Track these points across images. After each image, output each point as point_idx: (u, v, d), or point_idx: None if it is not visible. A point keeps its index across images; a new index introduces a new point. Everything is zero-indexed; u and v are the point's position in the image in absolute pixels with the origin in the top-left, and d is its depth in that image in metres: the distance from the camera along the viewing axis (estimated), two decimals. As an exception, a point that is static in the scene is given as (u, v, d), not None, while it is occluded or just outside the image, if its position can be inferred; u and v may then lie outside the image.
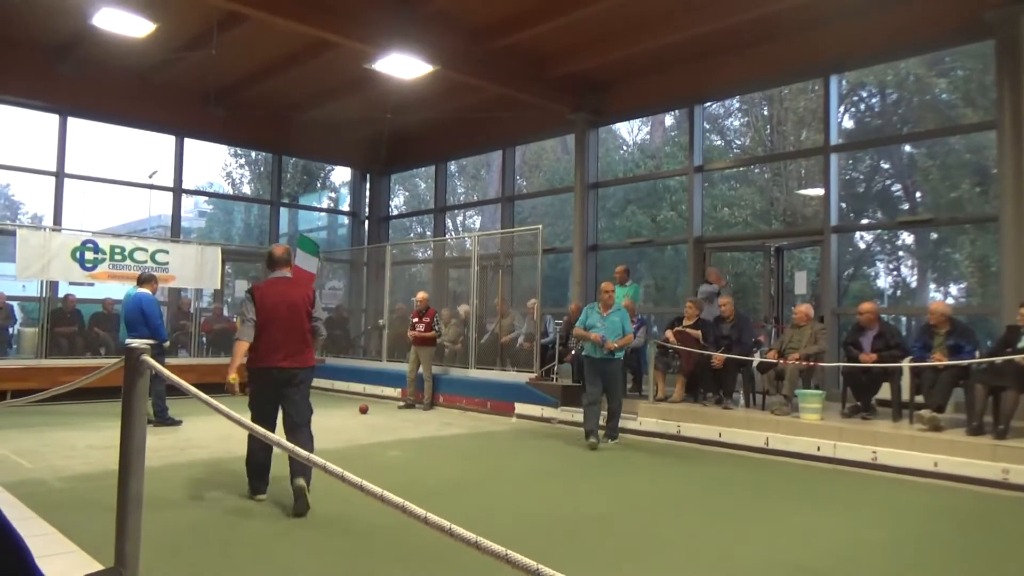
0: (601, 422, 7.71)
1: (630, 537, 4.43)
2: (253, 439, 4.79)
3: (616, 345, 7.48)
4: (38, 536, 3.71)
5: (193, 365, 11.38)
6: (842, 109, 15.07)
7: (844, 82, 13.76)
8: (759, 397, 8.33)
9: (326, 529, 4.44)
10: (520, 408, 9.75)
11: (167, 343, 8.51)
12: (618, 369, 7.80)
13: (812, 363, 7.60)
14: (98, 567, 2.79)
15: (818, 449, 6.87)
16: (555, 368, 9.76)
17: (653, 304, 16.49)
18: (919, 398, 7.01)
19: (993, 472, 5.85)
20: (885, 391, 7.39)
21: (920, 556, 4.21)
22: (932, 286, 15.70)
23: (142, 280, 8.48)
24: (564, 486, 5.94)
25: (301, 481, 4.58)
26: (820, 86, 10.26)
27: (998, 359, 6.39)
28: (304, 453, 2.02)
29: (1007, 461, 5.83)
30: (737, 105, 17.71)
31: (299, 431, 4.89)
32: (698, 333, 8.49)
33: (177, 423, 8.23)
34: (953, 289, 15.65)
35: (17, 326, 11.81)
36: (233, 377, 4.90)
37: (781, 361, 7.78)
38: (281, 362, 4.86)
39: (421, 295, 11.01)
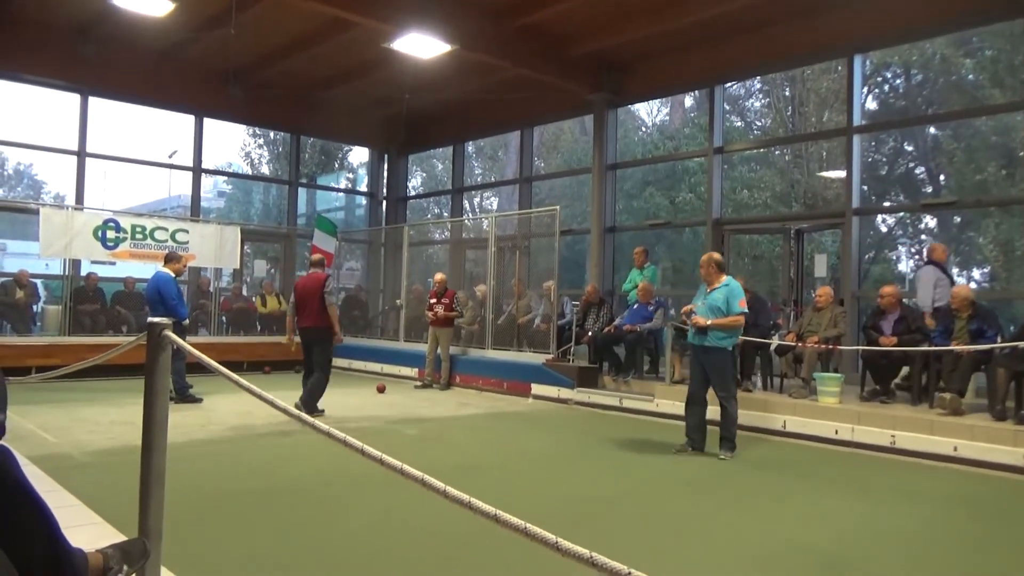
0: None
1: (646, 518, 4.44)
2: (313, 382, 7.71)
3: (706, 322, 6.14)
4: (64, 507, 3.78)
5: (213, 343, 11.53)
6: (866, 90, 14.82)
7: (868, 62, 13.54)
8: (777, 380, 8.29)
9: (344, 508, 4.49)
10: (536, 389, 9.78)
11: (186, 322, 8.59)
12: (720, 359, 6.26)
13: (831, 346, 7.55)
14: (122, 538, 2.84)
15: (836, 432, 6.84)
16: (571, 349, 9.77)
17: (671, 286, 16.42)
18: (939, 382, 6.96)
19: (1014, 457, 5.80)
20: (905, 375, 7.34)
21: (938, 541, 4.19)
22: (955, 270, 15.49)
23: (166, 259, 8.59)
24: (580, 467, 5.96)
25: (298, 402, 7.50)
26: (844, 66, 10.11)
27: (1021, 344, 6.31)
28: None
29: (1028, 446, 5.78)
30: (758, 86, 17.47)
31: (313, 373, 7.74)
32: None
33: (198, 400, 8.33)
34: (976, 273, 15.43)
35: (41, 304, 11.97)
36: (287, 339, 8.24)
37: (799, 344, 7.74)
38: (303, 323, 7.81)
39: (439, 276, 11.04)
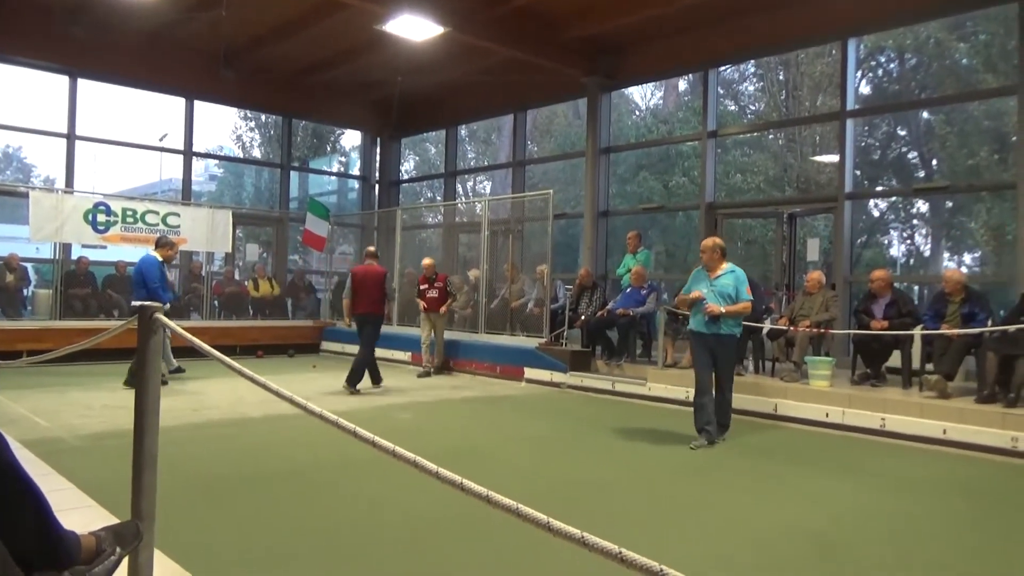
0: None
1: (639, 501, 4.48)
2: (357, 360, 8.70)
3: (723, 310, 5.96)
4: (57, 491, 3.77)
5: (205, 327, 11.49)
6: (859, 74, 14.79)
7: (863, 46, 13.50)
8: (769, 364, 8.33)
9: (336, 492, 4.50)
10: (529, 373, 9.80)
11: (167, 306, 8.46)
12: (730, 349, 6.23)
13: (822, 330, 7.58)
14: (115, 521, 2.84)
15: (827, 416, 6.89)
16: (564, 333, 9.79)
17: (664, 271, 16.44)
18: (930, 366, 7.01)
19: (1002, 440, 5.86)
20: (896, 359, 7.38)
21: (928, 522, 4.23)
22: (946, 254, 15.56)
23: (156, 244, 8.54)
24: (574, 451, 5.99)
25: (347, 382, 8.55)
26: (838, 50, 10.07)
27: (1011, 328, 6.35)
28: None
29: (1016, 429, 5.83)
30: (752, 70, 17.41)
31: (362, 350, 8.75)
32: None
33: (164, 384, 8.24)
34: (967, 258, 15.50)
35: (31, 288, 11.91)
36: (346, 322, 9.22)
37: (791, 328, 7.77)
38: (361, 310, 8.73)
39: (427, 261, 10.88)
